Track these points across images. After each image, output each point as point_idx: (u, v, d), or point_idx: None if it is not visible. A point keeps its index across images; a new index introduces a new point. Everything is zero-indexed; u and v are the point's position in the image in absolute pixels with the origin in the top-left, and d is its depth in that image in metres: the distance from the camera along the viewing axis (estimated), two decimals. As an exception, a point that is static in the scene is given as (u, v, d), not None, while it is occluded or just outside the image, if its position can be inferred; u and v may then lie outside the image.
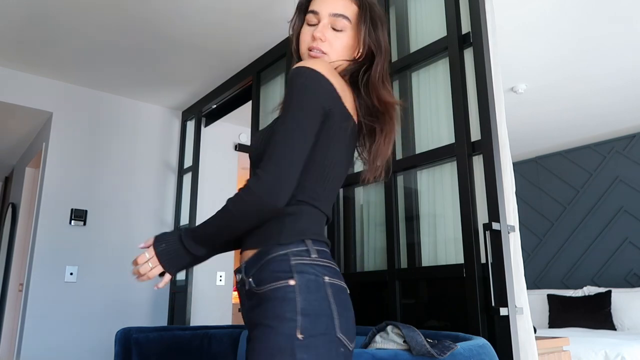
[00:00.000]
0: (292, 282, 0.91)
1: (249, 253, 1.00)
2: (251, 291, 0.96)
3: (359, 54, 1.10)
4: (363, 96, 1.09)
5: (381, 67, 1.10)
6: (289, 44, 1.17)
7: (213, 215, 0.98)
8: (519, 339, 1.53)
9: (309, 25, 1.10)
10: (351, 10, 1.09)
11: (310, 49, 1.07)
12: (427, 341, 1.18)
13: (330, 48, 1.07)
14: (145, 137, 3.86)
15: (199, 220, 3.58)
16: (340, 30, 1.08)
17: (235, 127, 4.23)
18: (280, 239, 0.96)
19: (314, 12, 1.09)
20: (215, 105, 3.65)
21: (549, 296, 4.55)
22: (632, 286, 4.36)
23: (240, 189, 0.96)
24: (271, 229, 0.98)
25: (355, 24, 1.09)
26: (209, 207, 3.65)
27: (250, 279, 0.96)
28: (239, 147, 4.24)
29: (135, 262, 1.01)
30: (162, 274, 1.02)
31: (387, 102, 1.09)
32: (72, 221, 3.43)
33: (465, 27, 1.86)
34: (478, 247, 1.65)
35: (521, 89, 3.64)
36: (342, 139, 1.02)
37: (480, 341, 1.30)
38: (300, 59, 1.13)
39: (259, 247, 0.98)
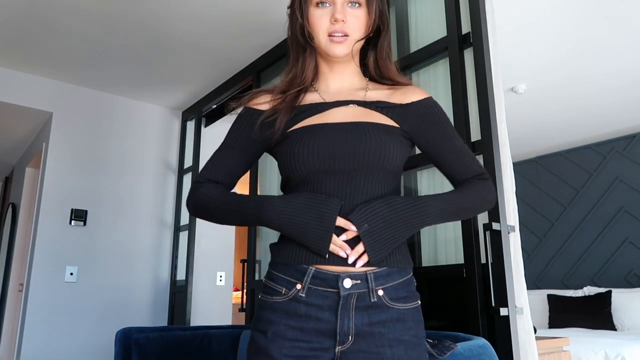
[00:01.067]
0: None
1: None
2: (383, 304, 0.96)
3: (370, 30, 1.05)
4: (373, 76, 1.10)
5: (388, 42, 1.08)
6: (288, 31, 1.10)
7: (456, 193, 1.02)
8: (519, 339, 1.53)
9: (319, 7, 1.02)
10: None
11: (330, 34, 1.01)
12: (427, 341, 1.17)
13: (351, 29, 1.02)
14: (145, 137, 3.86)
15: (200, 221, 3.58)
16: (358, 7, 1.03)
17: (236, 127, 4.23)
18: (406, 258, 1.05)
19: None
20: (215, 106, 3.65)
21: (549, 296, 4.55)
22: (632, 286, 4.36)
23: (484, 181, 1.06)
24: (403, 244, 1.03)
25: None
26: (209, 207, 3.65)
27: (382, 292, 0.96)
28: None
29: None
30: None
31: (400, 83, 1.09)
32: (72, 221, 3.43)
33: (466, 27, 1.86)
34: (478, 247, 1.65)
35: (521, 89, 3.64)
36: None
37: (480, 341, 1.30)
38: (306, 44, 1.06)
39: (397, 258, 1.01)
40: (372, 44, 1.09)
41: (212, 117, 3.79)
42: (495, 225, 1.58)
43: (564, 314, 4.33)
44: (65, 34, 2.95)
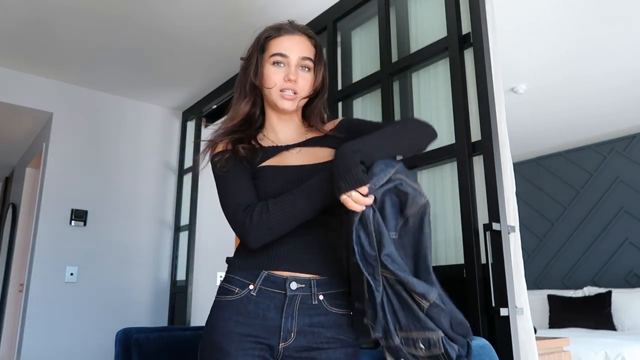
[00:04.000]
0: None
1: (324, 274, 1.12)
2: (323, 307, 1.10)
3: (314, 91, 1.22)
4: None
5: (323, 102, 1.28)
6: (241, 79, 1.25)
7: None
8: (520, 339, 1.53)
9: (275, 65, 1.18)
10: (312, 51, 1.21)
11: (282, 90, 1.17)
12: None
13: (300, 88, 1.19)
14: (145, 137, 3.86)
15: (200, 221, 3.59)
16: (307, 71, 1.20)
17: (236, 127, 4.23)
18: (344, 275, 1.17)
19: (282, 55, 1.17)
20: (215, 106, 3.65)
21: (549, 296, 4.55)
22: (632, 286, 4.36)
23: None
24: (341, 261, 1.15)
25: (316, 62, 1.21)
26: (209, 207, 3.65)
27: (322, 297, 1.10)
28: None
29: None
30: None
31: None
32: (73, 221, 3.43)
33: (466, 28, 1.86)
34: (478, 247, 1.65)
35: (521, 89, 3.64)
36: None
37: (480, 341, 1.30)
38: (254, 93, 1.23)
39: (335, 277, 1.13)
40: (310, 101, 1.26)
41: (213, 117, 3.79)
42: (495, 226, 1.58)
43: (564, 314, 4.33)
44: (65, 35, 2.95)
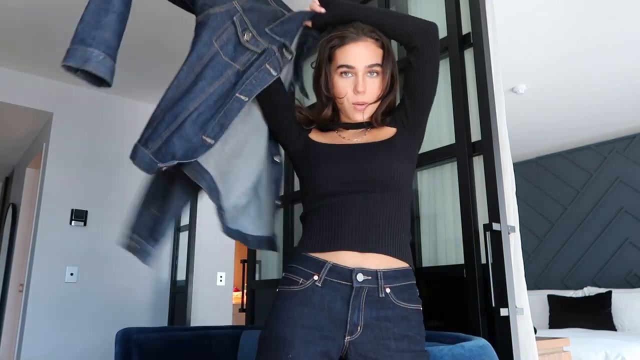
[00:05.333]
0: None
1: (387, 261, 1.10)
2: (390, 301, 1.07)
3: (383, 93, 1.21)
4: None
5: (393, 99, 1.24)
6: (315, 87, 1.26)
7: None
8: (520, 339, 1.53)
9: (343, 76, 1.18)
10: (379, 55, 1.19)
11: (355, 104, 1.18)
12: None
13: (370, 97, 1.19)
14: (145, 137, 3.85)
15: (200, 221, 3.59)
16: (375, 76, 1.19)
17: (236, 127, 4.23)
18: (411, 264, 1.15)
19: (349, 67, 1.17)
20: (215, 106, 3.65)
21: (549, 297, 4.55)
22: (633, 287, 4.36)
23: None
24: (408, 247, 1.15)
25: (384, 65, 1.20)
26: (209, 208, 3.65)
27: (389, 290, 1.08)
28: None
29: None
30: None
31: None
32: (73, 222, 3.43)
33: (466, 28, 1.86)
34: (478, 247, 1.65)
35: (521, 89, 3.64)
36: None
37: (480, 342, 1.30)
38: (327, 101, 1.23)
39: (403, 261, 1.12)
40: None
41: (212, 117, 3.79)
42: (495, 226, 1.58)
43: (564, 315, 4.33)
44: (65, 35, 2.95)
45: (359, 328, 1.04)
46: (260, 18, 1.27)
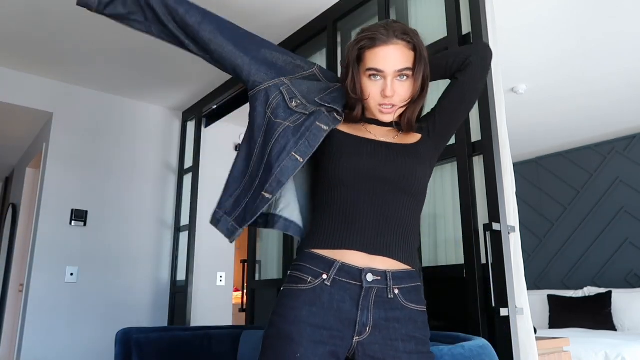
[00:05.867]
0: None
1: (395, 264, 1.10)
2: (398, 302, 1.08)
3: (414, 97, 1.17)
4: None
5: (423, 103, 1.21)
6: (345, 87, 1.21)
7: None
8: (520, 339, 1.53)
9: (371, 78, 1.14)
10: (410, 58, 1.14)
11: (380, 105, 1.15)
12: None
13: (398, 100, 1.15)
14: (145, 137, 3.86)
15: (200, 221, 3.59)
16: (406, 79, 1.14)
17: (236, 127, 4.23)
18: (417, 268, 1.15)
19: (378, 70, 1.12)
20: (215, 106, 3.65)
21: (549, 297, 4.55)
22: (633, 287, 4.36)
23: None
24: (416, 253, 1.16)
25: (415, 68, 1.15)
26: (209, 208, 3.65)
27: (397, 291, 1.08)
28: (239, 148, 4.23)
29: None
30: None
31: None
32: (73, 222, 3.43)
33: (466, 28, 1.86)
34: (478, 247, 1.65)
35: (521, 89, 3.64)
36: None
37: (480, 341, 1.30)
38: (356, 102, 1.19)
39: (409, 266, 1.12)
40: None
41: (213, 117, 3.79)
42: (495, 226, 1.58)
43: (564, 315, 4.33)
44: (65, 34, 2.95)
45: (367, 329, 1.04)
46: (311, 89, 1.29)
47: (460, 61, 1.23)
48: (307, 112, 1.21)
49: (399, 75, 1.13)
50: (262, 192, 1.18)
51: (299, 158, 1.17)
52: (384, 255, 1.08)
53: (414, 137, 1.22)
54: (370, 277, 1.05)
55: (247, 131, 1.28)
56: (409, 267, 1.12)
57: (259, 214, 1.19)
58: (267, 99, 1.26)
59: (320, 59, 2.70)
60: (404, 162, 1.14)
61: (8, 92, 3.38)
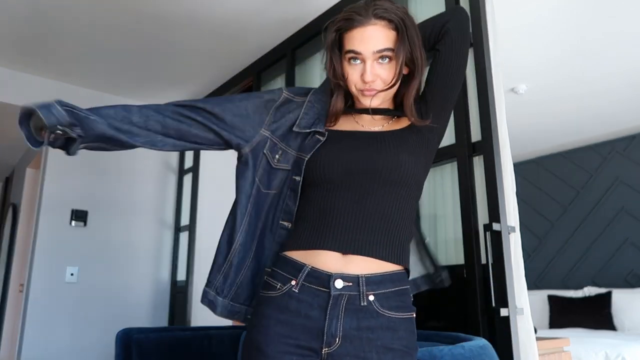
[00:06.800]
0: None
1: (373, 265, 1.01)
2: (373, 310, 0.99)
3: (396, 80, 1.08)
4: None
5: (418, 85, 1.12)
6: (326, 73, 1.14)
7: None
8: (520, 339, 1.53)
9: (350, 62, 1.07)
10: (391, 37, 1.06)
11: (362, 90, 1.08)
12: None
13: (380, 84, 1.07)
14: (145, 137, 3.85)
15: (200, 221, 3.59)
16: (388, 61, 1.06)
17: (236, 127, 4.23)
18: (408, 266, 1.08)
19: (356, 53, 1.05)
20: (215, 106, 3.65)
21: (550, 297, 4.55)
22: (633, 287, 4.36)
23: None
24: (406, 249, 1.08)
25: (397, 49, 1.06)
26: (209, 208, 3.65)
27: (372, 297, 0.99)
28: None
29: None
30: None
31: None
32: (73, 222, 3.43)
33: (466, 28, 1.86)
34: (478, 247, 1.65)
35: (522, 89, 3.64)
36: None
37: (480, 342, 1.30)
38: (341, 87, 1.13)
39: (395, 264, 1.03)
40: (403, 83, 1.12)
41: (213, 117, 3.79)
42: (495, 226, 1.58)
43: (564, 315, 4.33)
44: (66, 35, 2.95)
45: (337, 339, 0.96)
46: (288, 119, 1.19)
47: (436, 31, 1.15)
48: (289, 167, 1.14)
49: (380, 57, 1.05)
50: (266, 268, 1.13)
51: (286, 224, 1.12)
52: (360, 254, 0.99)
53: (404, 123, 1.14)
54: (339, 284, 0.97)
55: (236, 200, 1.16)
56: (392, 268, 1.02)
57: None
58: (255, 163, 1.16)
59: (319, 59, 2.69)
60: (387, 150, 1.06)
61: (8, 92, 3.38)
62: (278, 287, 1.02)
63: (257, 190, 1.15)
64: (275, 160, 1.15)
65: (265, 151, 1.15)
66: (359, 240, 1.01)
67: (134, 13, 2.72)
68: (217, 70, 3.35)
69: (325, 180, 1.06)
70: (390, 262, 1.02)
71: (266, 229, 1.14)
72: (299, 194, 1.10)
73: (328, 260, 1.00)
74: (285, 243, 1.08)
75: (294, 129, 1.16)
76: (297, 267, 1.01)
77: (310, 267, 1.00)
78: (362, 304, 0.97)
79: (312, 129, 1.14)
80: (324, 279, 0.98)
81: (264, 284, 1.07)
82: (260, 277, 1.12)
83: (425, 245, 1.28)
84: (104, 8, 2.67)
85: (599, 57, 3.23)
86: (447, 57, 1.13)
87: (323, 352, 0.96)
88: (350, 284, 0.97)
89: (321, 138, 1.12)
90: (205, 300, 1.14)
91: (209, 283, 1.14)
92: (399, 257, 1.04)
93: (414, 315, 1.03)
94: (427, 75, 1.17)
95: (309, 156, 1.10)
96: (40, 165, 3.66)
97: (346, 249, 1.00)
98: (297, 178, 1.10)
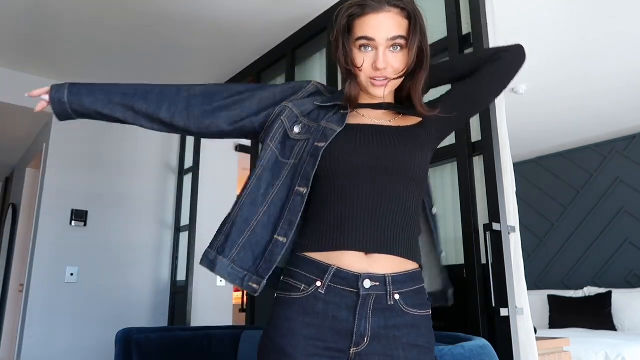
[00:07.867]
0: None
1: (397, 264, 1.01)
2: (399, 309, 1.00)
3: (408, 69, 1.08)
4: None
5: (425, 77, 1.11)
6: (337, 62, 1.12)
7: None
8: (520, 339, 1.53)
9: (362, 49, 1.05)
10: (404, 26, 1.05)
11: (373, 78, 1.06)
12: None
13: (391, 70, 1.06)
14: (145, 137, 3.85)
15: (200, 222, 3.59)
16: (399, 50, 1.05)
17: (236, 127, 4.23)
18: (421, 264, 1.08)
19: (369, 39, 1.03)
20: (215, 106, 3.65)
21: (550, 297, 4.55)
22: (633, 287, 4.36)
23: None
24: (418, 244, 1.09)
25: (410, 37, 1.06)
26: (209, 208, 3.65)
27: (398, 296, 1.00)
28: (240, 148, 4.24)
29: None
30: None
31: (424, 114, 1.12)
32: (73, 222, 3.43)
33: (466, 28, 1.86)
34: (478, 247, 1.65)
35: (522, 89, 3.64)
36: None
37: (480, 342, 1.30)
38: (348, 76, 1.11)
39: (413, 262, 1.04)
40: (410, 76, 1.11)
41: (213, 117, 3.79)
42: (495, 226, 1.58)
43: (564, 315, 4.33)
44: (66, 35, 2.95)
45: (365, 339, 0.96)
46: (313, 100, 1.19)
47: (490, 54, 1.20)
48: (309, 137, 1.12)
49: (392, 46, 1.04)
50: (275, 236, 1.08)
51: (302, 190, 1.07)
52: (385, 252, 0.99)
53: (413, 120, 1.13)
54: (367, 284, 0.97)
55: (254, 167, 1.17)
56: (411, 266, 1.03)
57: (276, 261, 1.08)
58: (272, 129, 1.16)
59: (319, 59, 2.70)
60: (402, 146, 1.05)
61: (8, 92, 3.38)
62: (302, 288, 0.99)
63: (274, 157, 1.13)
64: (295, 131, 1.14)
65: (282, 118, 1.15)
66: (381, 239, 1.00)
67: (134, 13, 2.72)
68: (218, 70, 3.35)
69: (339, 176, 1.04)
70: (410, 259, 1.03)
71: (279, 193, 1.11)
72: (318, 159, 1.06)
73: (353, 261, 0.99)
74: (302, 243, 1.05)
75: (315, 102, 1.17)
76: (321, 268, 0.99)
77: (335, 267, 0.98)
78: (389, 303, 0.98)
79: (334, 102, 1.14)
80: (352, 279, 0.97)
81: (282, 284, 1.04)
82: (268, 245, 1.08)
83: (439, 260, 1.28)
84: (105, 8, 2.67)
85: (599, 57, 3.23)
86: (491, 76, 1.19)
87: (351, 352, 0.97)
88: (378, 283, 0.98)
89: (344, 112, 1.11)
90: (205, 260, 1.11)
91: (210, 245, 1.12)
92: (416, 254, 1.06)
93: (430, 312, 1.05)
94: (459, 84, 1.19)
95: (338, 130, 1.08)
96: (40, 165, 3.66)
97: (370, 248, 0.99)
98: (321, 144, 1.07)
